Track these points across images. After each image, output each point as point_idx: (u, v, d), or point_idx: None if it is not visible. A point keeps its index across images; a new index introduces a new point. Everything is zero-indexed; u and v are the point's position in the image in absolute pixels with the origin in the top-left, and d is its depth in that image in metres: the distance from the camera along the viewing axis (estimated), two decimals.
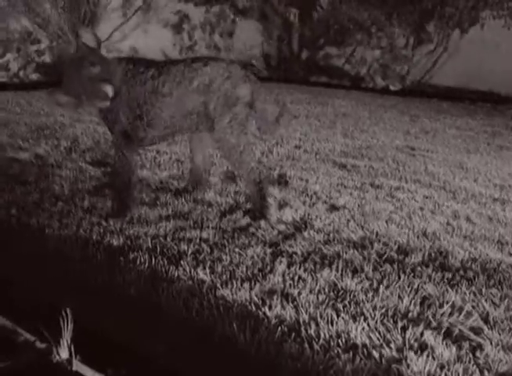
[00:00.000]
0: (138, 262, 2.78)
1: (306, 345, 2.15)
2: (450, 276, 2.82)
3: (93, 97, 3.17)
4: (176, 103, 3.23)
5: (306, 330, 2.24)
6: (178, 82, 3.20)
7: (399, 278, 2.75)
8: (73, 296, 2.35)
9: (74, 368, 1.93)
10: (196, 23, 12.37)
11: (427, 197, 4.13)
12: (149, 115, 3.25)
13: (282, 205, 3.71)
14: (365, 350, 2.15)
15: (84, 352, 1.98)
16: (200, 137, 3.66)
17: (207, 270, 2.72)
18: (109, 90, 3.09)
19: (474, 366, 2.09)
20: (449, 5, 10.90)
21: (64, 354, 1.98)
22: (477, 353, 2.17)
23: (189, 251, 2.93)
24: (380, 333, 2.26)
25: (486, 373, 2.06)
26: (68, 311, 2.03)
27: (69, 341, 1.99)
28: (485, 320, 2.41)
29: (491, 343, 2.24)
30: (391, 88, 11.59)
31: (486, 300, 2.57)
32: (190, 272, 2.69)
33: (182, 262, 2.79)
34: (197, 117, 3.31)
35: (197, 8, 12.29)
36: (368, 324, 2.31)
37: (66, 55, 3.27)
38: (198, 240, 3.08)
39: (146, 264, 2.76)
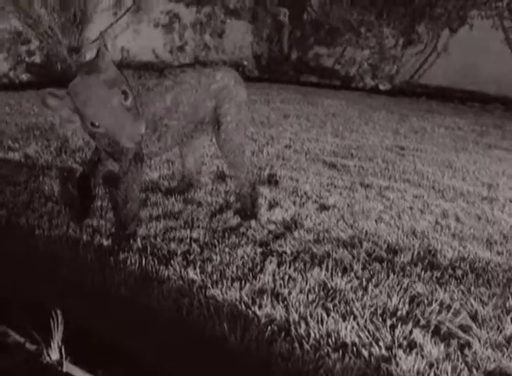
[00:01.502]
0: (128, 262, 2.78)
1: (296, 345, 2.16)
2: (439, 274, 2.84)
3: (122, 136, 2.60)
4: (190, 112, 3.15)
5: (296, 330, 2.26)
6: (196, 91, 3.14)
7: (388, 277, 2.77)
8: (63, 297, 2.35)
9: (65, 369, 1.92)
10: (187, 22, 12.35)
11: (416, 197, 4.16)
12: (163, 129, 3.06)
13: (272, 205, 3.72)
14: (354, 349, 2.16)
15: (75, 353, 1.98)
16: (191, 141, 3.63)
17: (198, 270, 2.72)
18: (142, 130, 2.62)
19: (463, 364, 2.11)
20: (439, 6, 10.97)
21: (54, 355, 1.97)
22: (466, 351, 2.20)
23: (180, 251, 2.94)
24: (369, 331, 2.28)
25: (474, 371, 2.08)
26: (58, 312, 2.03)
27: (59, 343, 1.99)
28: (474, 318, 2.43)
29: (479, 341, 2.26)
30: (381, 87, 11.63)
31: (475, 298, 2.60)
32: (180, 272, 2.70)
33: (172, 262, 2.79)
34: (206, 123, 3.30)
35: (188, 8, 12.27)
36: (357, 323, 2.33)
37: (83, 72, 2.63)
38: (188, 240, 3.09)
39: (137, 264, 2.76)
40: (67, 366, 1.93)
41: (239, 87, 3.35)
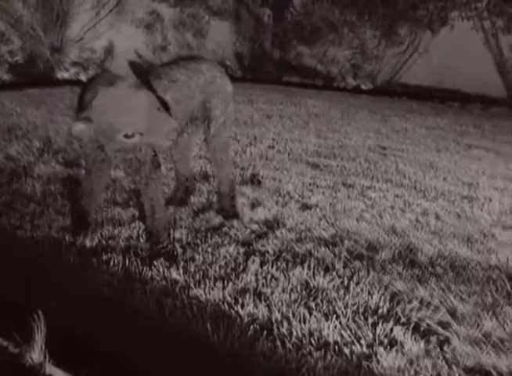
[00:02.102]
0: (111, 263, 2.78)
1: (278, 344, 2.18)
2: (419, 272, 2.88)
3: (159, 136, 2.46)
4: (182, 107, 3.08)
5: (278, 329, 2.27)
6: (187, 86, 3.09)
7: (369, 274, 2.80)
8: (45, 298, 2.34)
9: (47, 372, 1.92)
10: (170, 22, 12.30)
11: (397, 196, 4.20)
12: None
13: (255, 205, 3.74)
14: (336, 347, 2.19)
15: (57, 355, 1.98)
16: (180, 140, 3.58)
17: (181, 270, 2.73)
18: (176, 124, 2.52)
19: (443, 360, 2.14)
20: (421, 8, 11.08)
21: (36, 357, 1.97)
22: (445, 347, 2.23)
23: (163, 252, 2.94)
24: (351, 330, 2.30)
25: (454, 367, 2.12)
26: (40, 313, 2.02)
27: (41, 345, 1.98)
28: (453, 315, 2.47)
29: (458, 338, 2.30)
30: (363, 87, 11.71)
31: (455, 296, 2.64)
32: (163, 272, 2.70)
33: (155, 263, 2.79)
34: (197, 118, 3.25)
35: (171, 8, 12.23)
36: (340, 322, 2.35)
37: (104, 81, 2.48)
38: (171, 240, 3.09)
39: (120, 265, 2.76)
40: (50, 369, 1.93)
41: (225, 79, 3.32)
